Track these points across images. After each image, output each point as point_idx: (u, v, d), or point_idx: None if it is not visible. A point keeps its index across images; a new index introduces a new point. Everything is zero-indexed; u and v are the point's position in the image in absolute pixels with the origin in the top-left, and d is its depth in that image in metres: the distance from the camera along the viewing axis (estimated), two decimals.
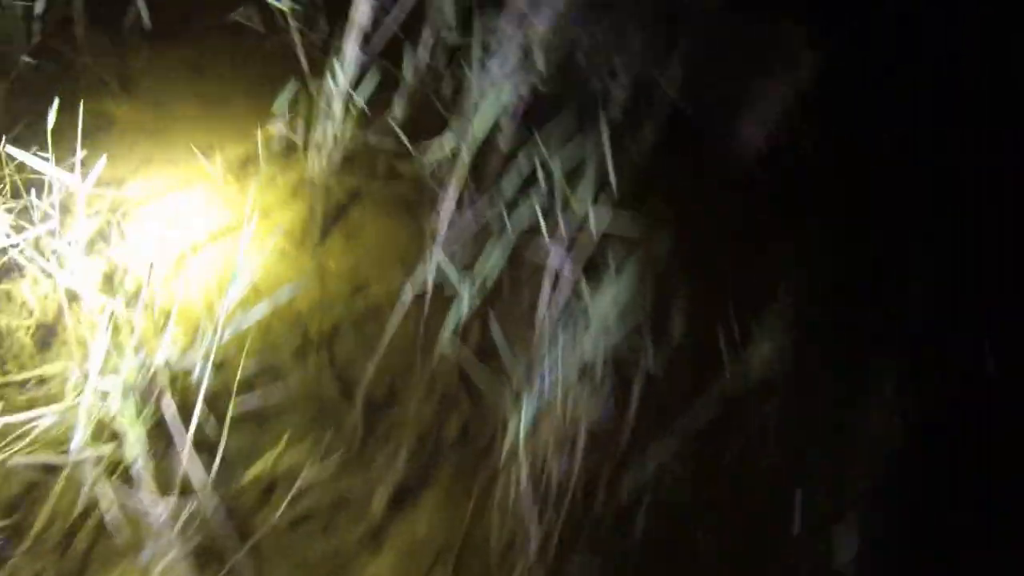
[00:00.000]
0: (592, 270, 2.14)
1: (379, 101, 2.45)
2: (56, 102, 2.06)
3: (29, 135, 2.16)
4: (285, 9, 2.49)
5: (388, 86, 2.49)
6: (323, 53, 2.62)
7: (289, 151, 2.47)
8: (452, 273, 2.04)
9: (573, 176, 2.22)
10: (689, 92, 3.07)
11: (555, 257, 2.05)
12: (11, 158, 2.20)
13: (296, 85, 2.44)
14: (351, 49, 2.27)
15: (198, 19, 2.90)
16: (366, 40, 2.34)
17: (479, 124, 2.18)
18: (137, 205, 2.31)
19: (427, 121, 2.55)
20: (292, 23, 2.51)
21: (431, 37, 2.56)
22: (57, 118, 2.49)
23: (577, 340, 2.03)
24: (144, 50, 2.74)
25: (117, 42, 2.73)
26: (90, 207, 2.23)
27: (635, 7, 3.06)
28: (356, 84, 2.32)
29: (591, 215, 2.11)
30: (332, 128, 2.32)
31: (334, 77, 2.25)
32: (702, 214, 2.56)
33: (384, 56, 2.51)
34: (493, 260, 2.03)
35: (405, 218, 2.40)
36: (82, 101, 2.53)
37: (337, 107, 2.29)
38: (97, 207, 2.26)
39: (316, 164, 2.39)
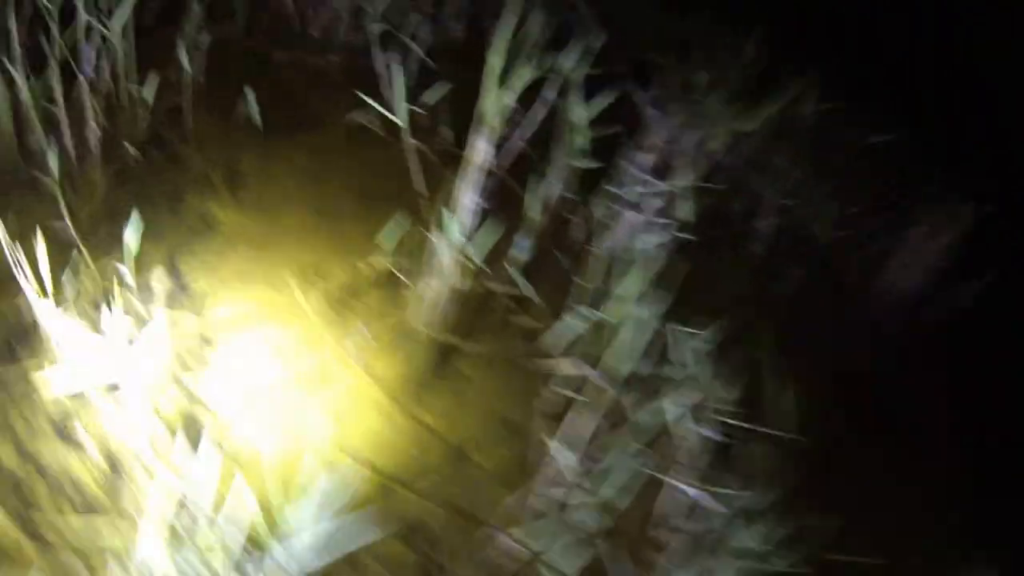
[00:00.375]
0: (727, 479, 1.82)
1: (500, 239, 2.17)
2: (134, 217, 1.86)
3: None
4: (402, 124, 2.27)
5: (511, 211, 2.21)
6: (444, 165, 2.39)
7: (395, 287, 2.23)
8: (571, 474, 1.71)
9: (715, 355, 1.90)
10: (837, 237, 2.81)
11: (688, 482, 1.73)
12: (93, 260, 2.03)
13: (407, 216, 2.20)
14: (466, 197, 2.02)
15: (316, 117, 2.72)
16: (495, 151, 2.08)
17: (613, 295, 1.90)
18: (223, 330, 2.10)
19: (551, 267, 2.29)
20: (408, 139, 2.28)
21: (562, 163, 2.29)
22: (159, 214, 2.32)
23: (706, 566, 1.71)
24: (256, 148, 2.57)
25: (228, 138, 2.56)
26: (172, 326, 2.02)
27: (782, 138, 2.81)
28: (477, 227, 2.06)
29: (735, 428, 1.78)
30: (442, 278, 2.07)
31: (444, 228, 2.00)
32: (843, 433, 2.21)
33: (510, 173, 2.25)
34: (620, 482, 1.70)
35: (516, 377, 2.12)
36: (185, 199, 2.40)
37: (447, 256, 2.03)
38: (180, 326, 2.06)
39: (422, 310, 2.13)
